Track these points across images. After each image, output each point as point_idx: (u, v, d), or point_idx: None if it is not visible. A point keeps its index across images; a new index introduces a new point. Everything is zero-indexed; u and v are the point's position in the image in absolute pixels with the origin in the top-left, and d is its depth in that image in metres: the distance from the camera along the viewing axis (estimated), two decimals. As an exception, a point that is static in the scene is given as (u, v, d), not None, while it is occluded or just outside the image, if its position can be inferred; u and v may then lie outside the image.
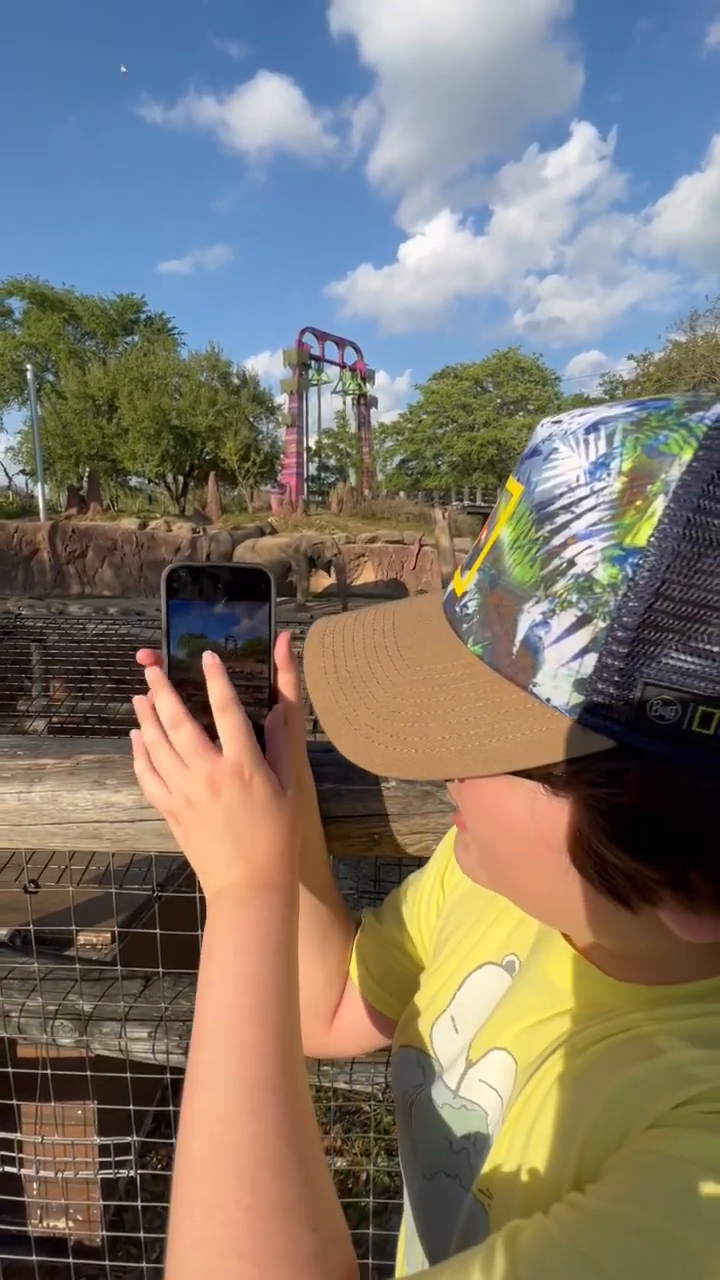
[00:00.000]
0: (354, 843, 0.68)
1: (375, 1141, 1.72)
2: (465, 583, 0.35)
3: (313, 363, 27.57)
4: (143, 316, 34.57)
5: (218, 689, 0.45)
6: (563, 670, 0.29)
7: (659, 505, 0.27)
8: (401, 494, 34.64)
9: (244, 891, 0.44)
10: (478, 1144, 0.43)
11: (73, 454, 28.75)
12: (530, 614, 0.30)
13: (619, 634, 0.28)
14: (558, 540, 0.29)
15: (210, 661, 0.45)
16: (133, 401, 26.70)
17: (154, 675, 0.46)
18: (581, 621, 0.28)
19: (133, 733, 0.48)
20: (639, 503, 0.28)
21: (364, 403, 30.22)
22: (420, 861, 0.67)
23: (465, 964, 0.52)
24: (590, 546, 0.28)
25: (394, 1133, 1.99)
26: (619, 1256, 0.26)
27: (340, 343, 28.68)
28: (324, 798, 0.65)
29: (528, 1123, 0.37)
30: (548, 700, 0.30)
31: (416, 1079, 0.50)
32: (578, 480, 0.29)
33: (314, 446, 32.66)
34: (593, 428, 0.30)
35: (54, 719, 3.02)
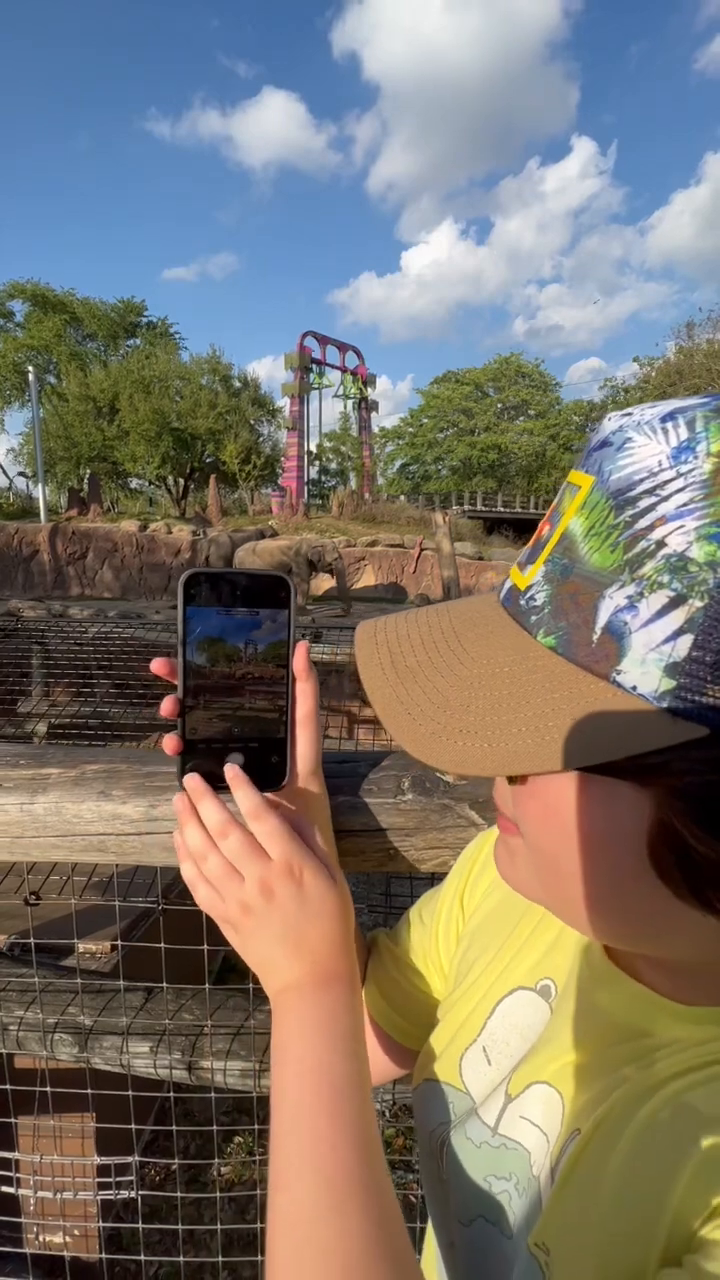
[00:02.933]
0: (368, 858, 0.66)
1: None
2: (528, 577, 0.34)
3: (314, 366, 27.60)
4: (144, 321, 34.64)
5: (246, 799, 0.45)
6: (652, 655, 0.28)
7: None
8: (402, 498, 34.70)
9: (307, 987, 0.44)
10: (520, 1186, 0.40)
11: (73, 456, 28.77)
12: (613, 599, 0.29)
13: (716, 611, 0.27)
14: (643, 523, 0.29)
15: (233, 773, 0.45)
16: (134, 404, 26.73)
17: (196, 784, 0.46)
18: (675, 602, 0.28)
19: (175, 836, 0.47)
20: None
21: (365, 407, 30.26)
22: (432, 877, 0.64)
23: (494, 990, 0.49)
24: (682, 526, 0.28)
25: (396, 1146, 1.95)
26: None
27: (342, 347, 28.72)
28: (338, 811, 0.62)
29: (594, 1172, 0.34)
30: (633, 688, 0.29)
31: (445, 1115, 0.47)
32: (660, 465, 0.29)
33: (315, 450, 32.66)
34: (669, 416, 0.30)
35: (54, 721, 3.00)
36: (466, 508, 32.22)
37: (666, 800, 0.30)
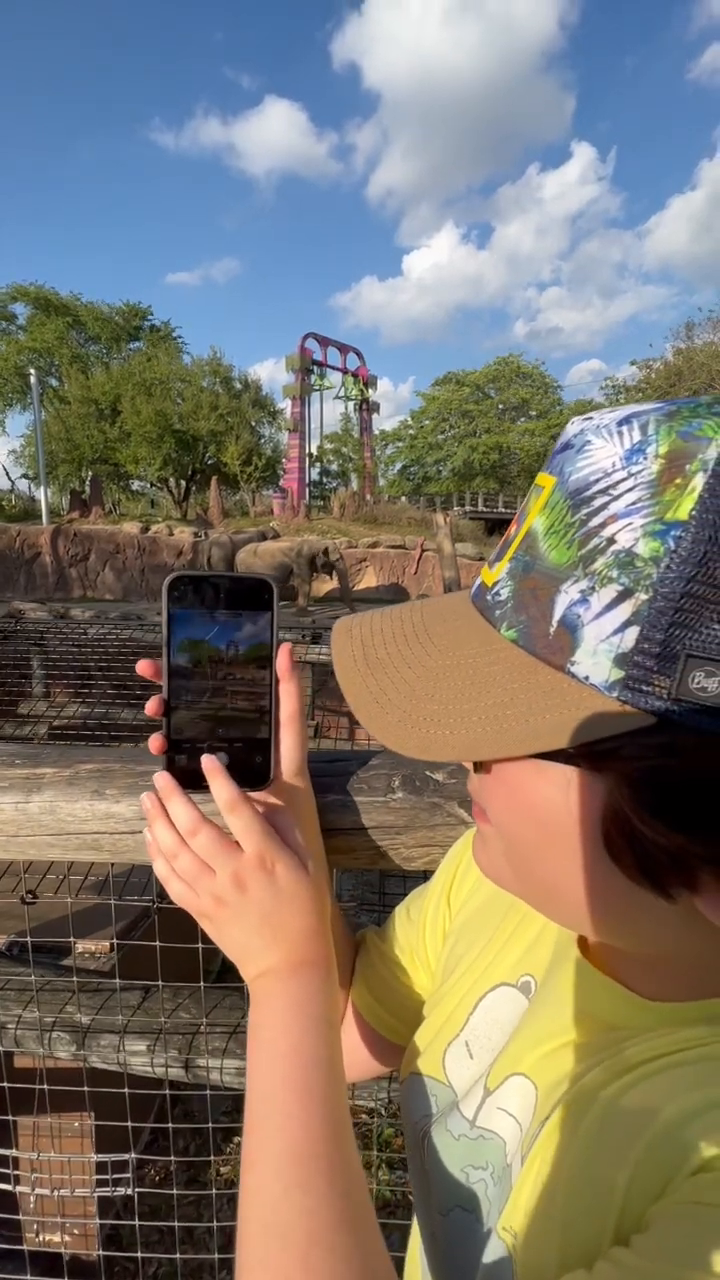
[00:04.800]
0: (359, 856, 0.66)
1: (377, 1156, 1.69)
2: (495, 574, 0.36)
3: (315, 368, 27.65)
4: (147, 324, 34.72)
5: (222, 790, 0.46)
6: (603, 646, 0.29)
7: (699, 481, 0.28)
8: (403, 499, 34.72)
9: (283, 972, 0.46)
10: (495, 1174, 0.41)
11: (75, 458, 28.83)
12: (568, 594, 0.31)
13: (660, 605, 0.28)
14: (596, 521, 0.30)
15: (210, 764, 0.46)
16: (135, 406, 26.79)
17: (164, 782, 0.47)
18: (622, 596, 0.29)
19: (145, 834, 0.48)
20: (678, 481, 0.28)
21: (366, 408, 30.29)
22: (425, 874, 0.65)
23: (477, 987, 0.50)
24: (630, 524, 0.29)
25: (395, 1145, 1.96)
26: None
27: (343, 349, 28.76)
28: (328, 809, 0.63)
29: (557, 1156, 0.35)
30: (586, 678, 0.30)
31: (428, 1108, 0.48)
32: (614, 466, 0.30)
33: (316, 452, 32.69)
34: (625, 420, 0.31)
35: (54, 723, 3.01)
36: (468, 509, 32.22)
37: (618, 787, 0.31)
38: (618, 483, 0.30)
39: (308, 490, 27.52)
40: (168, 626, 0.45)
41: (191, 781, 0.47)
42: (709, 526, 0.27)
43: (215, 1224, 0.99)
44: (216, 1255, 1.07)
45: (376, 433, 36.30)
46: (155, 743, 0.47)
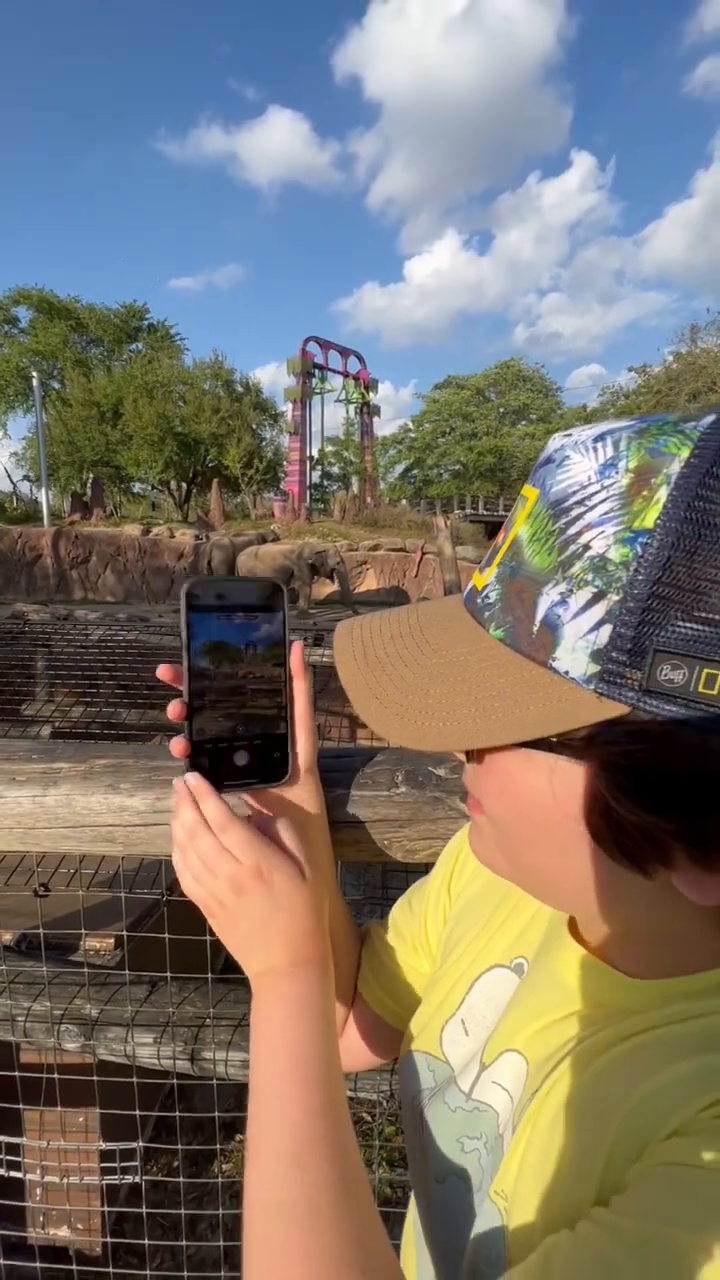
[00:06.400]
0: (363, 848, 0.69)
1: (378, 1151, 1.71)
2: (485, 578, 0.39)
3: (316, 371, 27.71)
4: (146, 323, 34.79)
5: (211, 811, 0.48)
6: (580, 643, 0.32)
7: (663, 494, 0.31)
8: (404, 502, 34.74)
9: (282, 971, 0.48)
10: (488, 1144, 0.44)
11: (77, 460, 28.88)
12: (549, 595, 0.33)
13: (630, 605, 0.31)
14: (573, 529, 0.33)
15: (196, 783, 0.48)
16: (137, 408, 26.84)
17: (197, 783, 0.49)
18: (597, 597, 0.32)
19: (171, 824, 0.50)
20: (645, 493, 0.31)
21: (367, 411, 30.35)
22: (427, 868, 0.68)
23: (474, 967, 0.52)
24: (603, 531, 0.32)
25: (396, 1142, 1.98)
26: (644, 1277, 0.27)
27: (344, 352, 28.83)
28: (335, 804, 0.65)
29: (546, 1125, 0.38)
30: (566, 673, 0.33)
31: (426, 1083, 0.51)
32: (589, 479, 0.33)
33: (317, 455, 32.74)
34: (600, 437, 0.34)
35: (58, 726, 3.03)
36: (468, 511, 32.27)
37: (597, 772, 0.34)
38: (592, 495, 0.33)
39: (309, 493, 27.55)
40: (187, 630, 0.47)
41: (215, 779, 0.49)
42: (672, 534, 0.30)
43: (220, 1211, 1.01)
44: (222, 1243, 1.09)
45: (377, 436, 36.36)
46: (179, 746, 0.49)
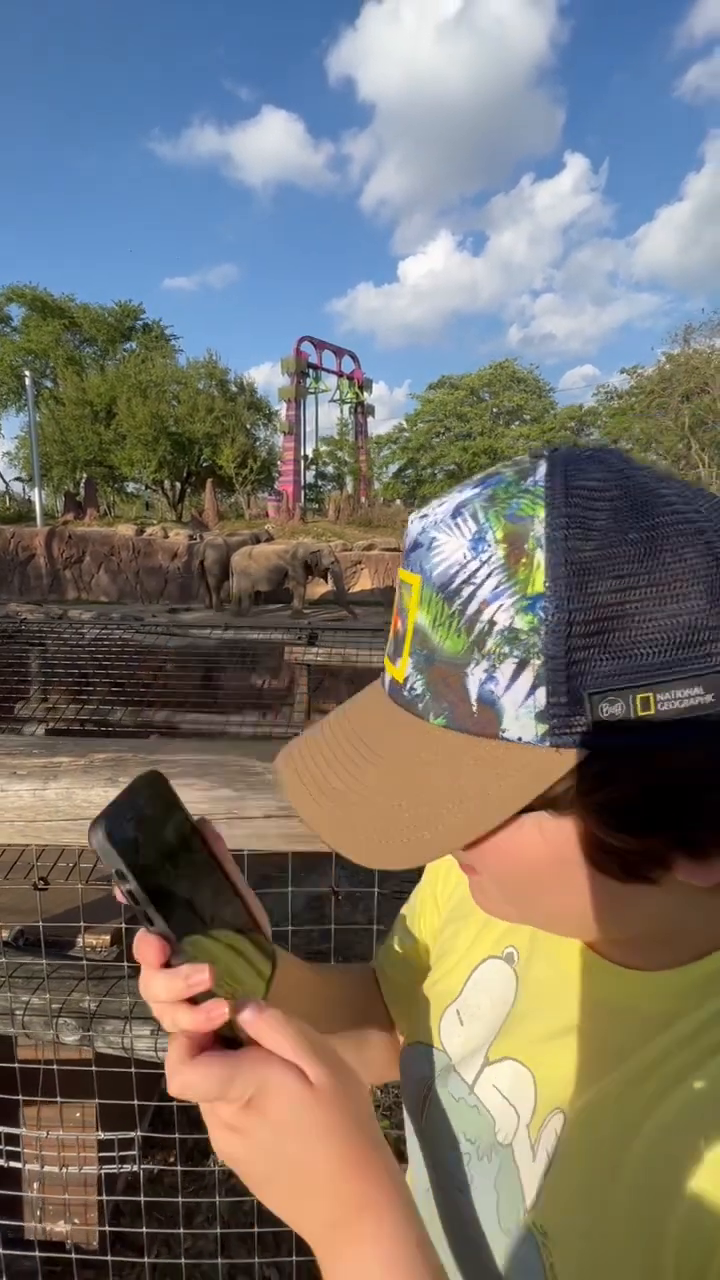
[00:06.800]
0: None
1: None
2: (401, 670, 0.38)
3: (311, 371, 27.69)
4: (140, 323, 34.68)
5: (171, 1053, 0.37)
6: (521, 710, 0.33)
7: (540, 557, 0.33)
8: (399, 502, 34.76)
9: (343, 1223, 0.36)
10: (480, 1150, 0.45)
11: (70, 460, 28.74)
12: (475, 675, 0.34)
13: (553, 665, 0.32)
14: (471, 609, 0.34)
15: (174, 1054, 0.37)
16: (131, 408, 26.73)
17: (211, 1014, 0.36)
18: (521, 665, 0.33)
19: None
20: (524, 560, 0.33)
21: (361, 411, 30.34)
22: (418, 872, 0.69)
23: (466, 960, 0.55)
24: (502, 605, 0.33)
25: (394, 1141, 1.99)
26: None
27: (338, 351, 28.82)
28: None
29: (609, 1161, 0.38)
30: (519, 739, 0.34)
31: (427, 1072, 0.53)
32: (465, 558, 0.35)
33: (311, 455, 32.71)
34: (455, 513, 0.36)
35: (52, 726, 3.03)
36: (462, 512, 32.12)
37: (583, 817, 0.35)
38: (474, 572, 0.34)
39: (303, 493, 27.53)
40: (123, 865, 0.37)
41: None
42: (562, 590, 0.32)
43: (218, 1198, 1.02)
44: (219, 1229, 1.10)
45: (372, 436, 36.33)
46: (157, 960, 0.37)
